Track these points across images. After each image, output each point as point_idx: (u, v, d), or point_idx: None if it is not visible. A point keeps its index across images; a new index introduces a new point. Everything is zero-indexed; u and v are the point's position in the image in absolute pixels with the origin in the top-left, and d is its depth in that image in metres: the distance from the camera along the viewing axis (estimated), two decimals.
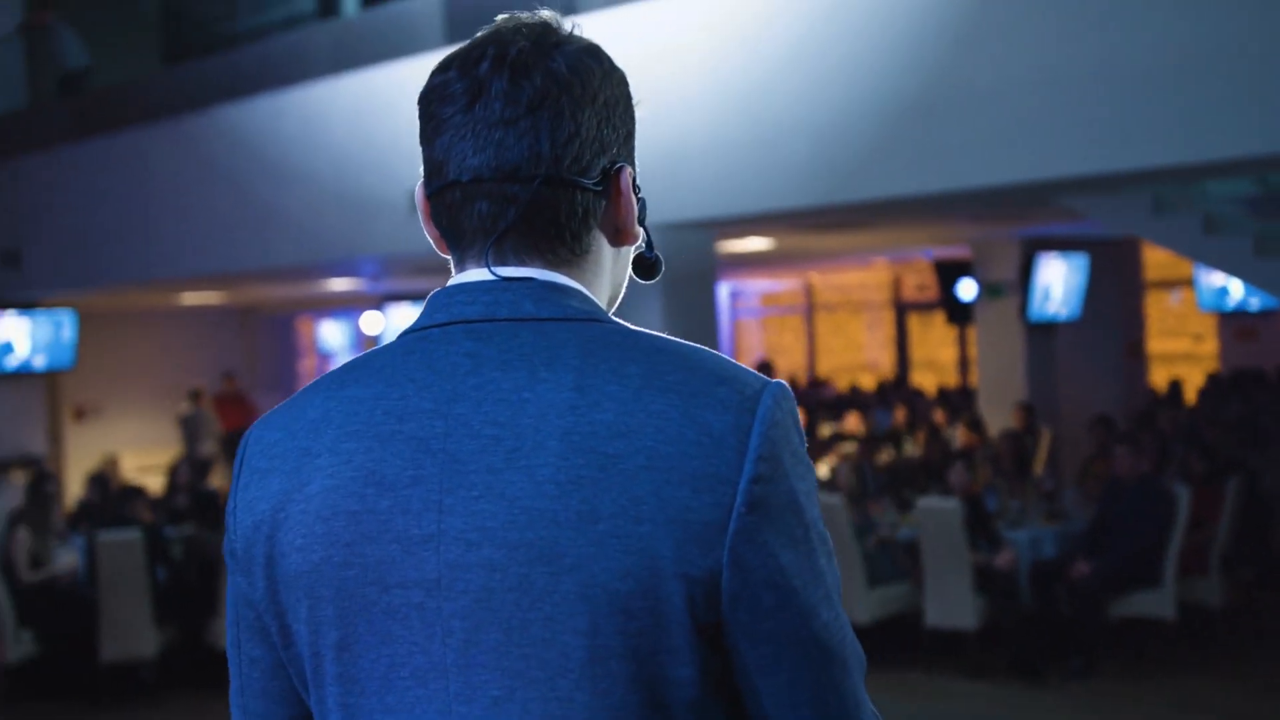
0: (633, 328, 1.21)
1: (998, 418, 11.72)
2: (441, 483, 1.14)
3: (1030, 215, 10.31)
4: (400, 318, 14.20)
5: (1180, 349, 17.10)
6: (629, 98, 1.29)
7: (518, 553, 1.11)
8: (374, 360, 1.22)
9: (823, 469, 10.30)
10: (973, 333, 14.07)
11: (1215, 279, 13.07)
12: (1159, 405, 12.36)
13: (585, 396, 1.12)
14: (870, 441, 10.95)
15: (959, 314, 13.41)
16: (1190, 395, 13.73)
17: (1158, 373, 15.82)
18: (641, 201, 1.29)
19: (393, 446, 1.16)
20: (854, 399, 15.20)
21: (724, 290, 19.47)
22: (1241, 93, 6.23)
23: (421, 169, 1.26)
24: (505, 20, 1.26)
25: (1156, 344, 16.04)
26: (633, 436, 1.11)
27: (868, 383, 17.70)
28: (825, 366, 20.08)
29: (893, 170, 7.35)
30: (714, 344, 9.75)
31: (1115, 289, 13.04)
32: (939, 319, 16.40)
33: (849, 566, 7.85)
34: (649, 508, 1.10)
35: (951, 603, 7.62)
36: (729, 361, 1.18)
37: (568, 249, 1.23)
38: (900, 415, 13.01)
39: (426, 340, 1.20)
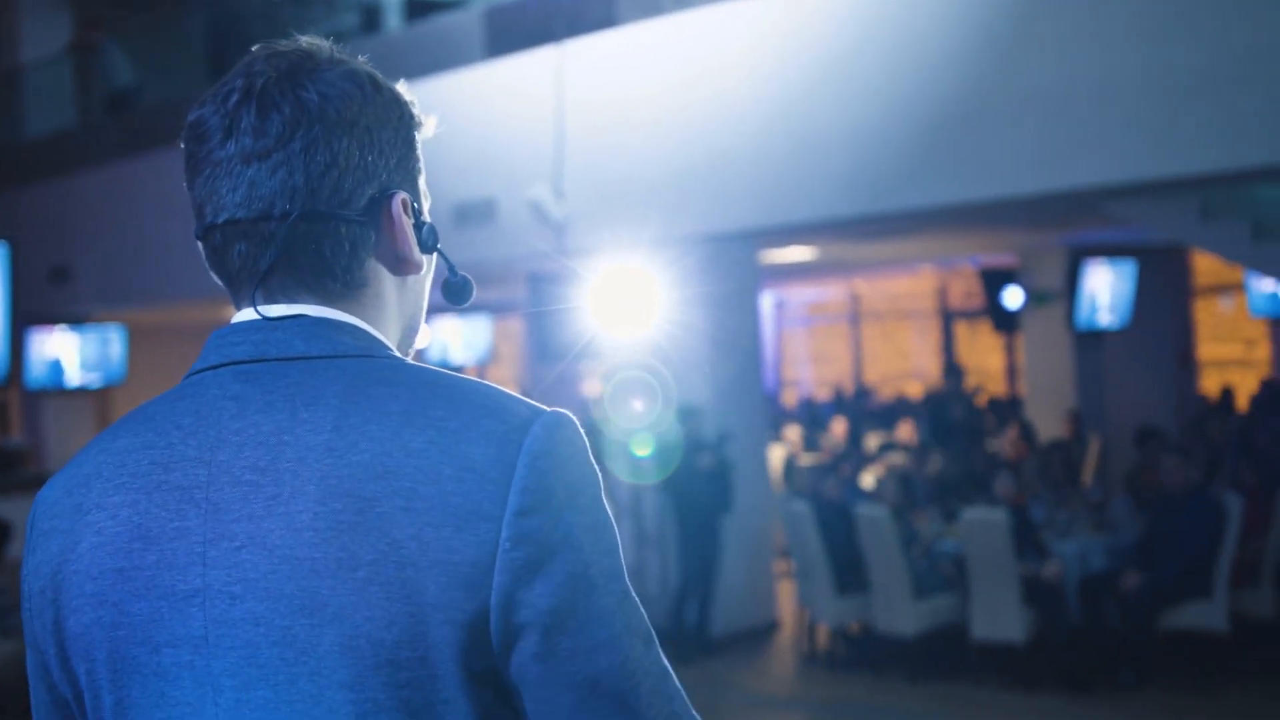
0: (410, 363, 1.16)
1: (1046, 427, 11.62)
2: (204, 534, 1.09)
3: (1077, 222, 10.22)
4: (444, 330, 14.26)
5: (1232, 355, 16.89)
6: (403, 119, 1.21)
7: (279, 605, 1.06)
8: (148, 408, 1.18)
9: (869, 479, 10.25)
10: (1020, 341, 13.96)
11: (1267, 284, 12.91)
12: (1210, 413, 12.20)
13: (343, 437, 1.07)
14: (917, 451, 10.88)
15: (1006, 322, 13.31)
16: (1242, 402, 13.55)
17: (1209, 379, 15.63)
18: (428, 227, 1.23)
19: (158, 498, 1.11)
20: (901, 408, 15.11)
21: (769, 301, 19.43)
22: None
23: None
24: (260, 50, 1.20)
25: (1207, 350, 15.85)
26: (391, 478, 1.06)
27: (915, 391, 17.59)
28: (872, 375, 20.00)
29: (936, 178, 7.31)
30: (758, 354, 9.74)
31: (1164, 295, 12.90)
32: (986, 327, 16.28)
33: (895, 578, 7.80)
34: (410, 551, 1.04)
35: (999, 615, 7.54)
36: (504, 394, 1.11)
37: (340, 284, 1.17)
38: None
39: (199, 384, 1.15)
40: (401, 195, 1.20)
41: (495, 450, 1.07)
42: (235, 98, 1.15)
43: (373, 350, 1.16)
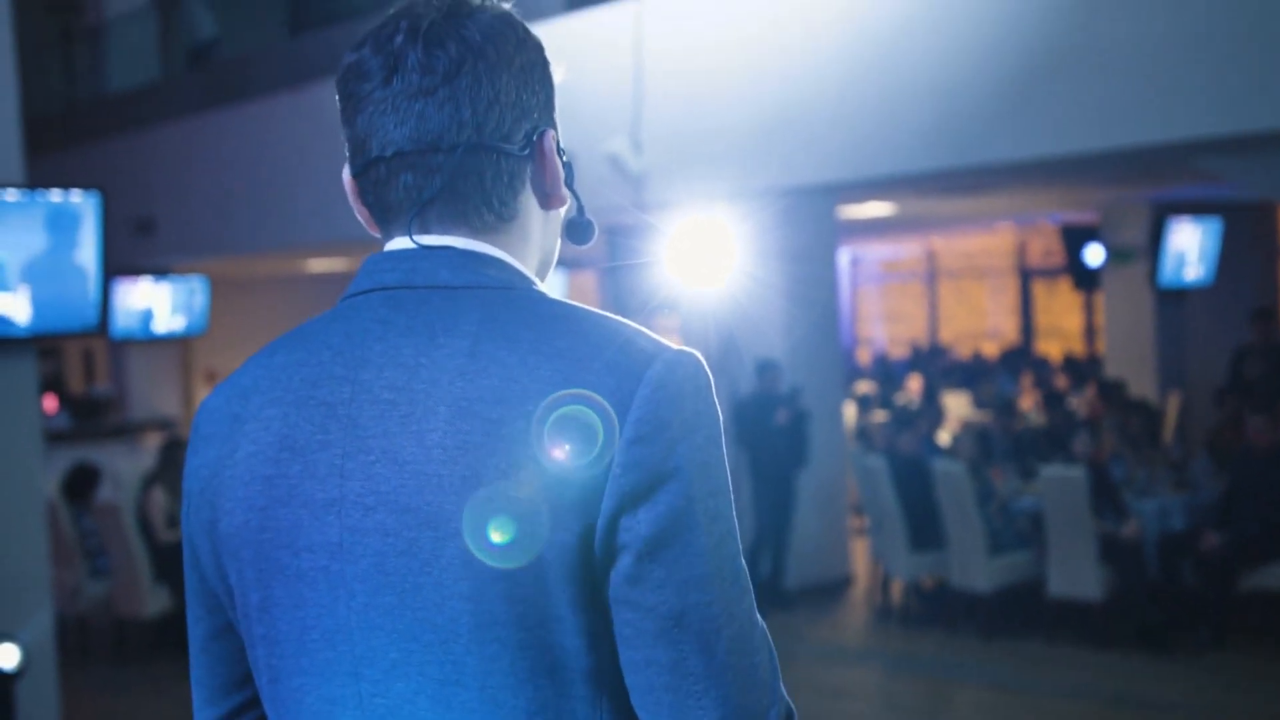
0: (545, 295, 1.21)
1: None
2: (344, 447, 1.16)
3: (1162, 178, 10.05)
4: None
5: None
6: (545, 62, 1.29)
7: (407, 517, 1.12)
8: (306, 328, 1.26)
9: (945, 436, 10.20)
10: (1100, 299, 13.78)
11: None
12: None
13: (476, 362, 1.13)
14: (996, 409, 10.80)
15: (1086, 280, 13.15)
16: None
17: None
18: (567, 165, 1.29)
19: (305, 412, 1.19)
20: (976, 367, 15.00)
21: (844, 258, 19.32)
22: None
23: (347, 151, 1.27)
24: None
25: None
26: (515, 402, 1.11)
27: (991, 350, 17.44)
28: (948, 334, 19.84)
29: (1020, 132, 7.22)
30: (835, 309, 9.70)
31: (1250, 253, 12.67)
32: (1065, 285, 16.09)
33: (971, 534, 7.77)
34: (528, 472, 1.10)
35: (1076, 572, 7.50)
36: (631, 330, 1.16)
37: (495, 215, 1.23)
38: (1026, 383, 12.81)
39: (351, 308, 1.23)
40: (553, 132, 1.27)
41: (615, 380, 1.11)
42: (400, 38, 1.21)
43: (512, 283, 1.22)
